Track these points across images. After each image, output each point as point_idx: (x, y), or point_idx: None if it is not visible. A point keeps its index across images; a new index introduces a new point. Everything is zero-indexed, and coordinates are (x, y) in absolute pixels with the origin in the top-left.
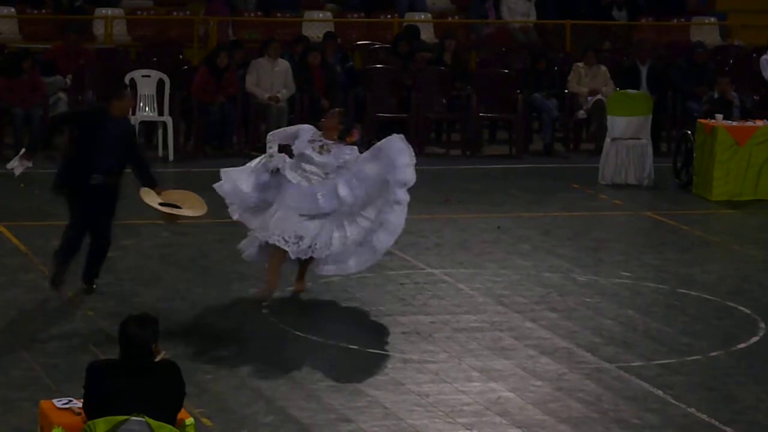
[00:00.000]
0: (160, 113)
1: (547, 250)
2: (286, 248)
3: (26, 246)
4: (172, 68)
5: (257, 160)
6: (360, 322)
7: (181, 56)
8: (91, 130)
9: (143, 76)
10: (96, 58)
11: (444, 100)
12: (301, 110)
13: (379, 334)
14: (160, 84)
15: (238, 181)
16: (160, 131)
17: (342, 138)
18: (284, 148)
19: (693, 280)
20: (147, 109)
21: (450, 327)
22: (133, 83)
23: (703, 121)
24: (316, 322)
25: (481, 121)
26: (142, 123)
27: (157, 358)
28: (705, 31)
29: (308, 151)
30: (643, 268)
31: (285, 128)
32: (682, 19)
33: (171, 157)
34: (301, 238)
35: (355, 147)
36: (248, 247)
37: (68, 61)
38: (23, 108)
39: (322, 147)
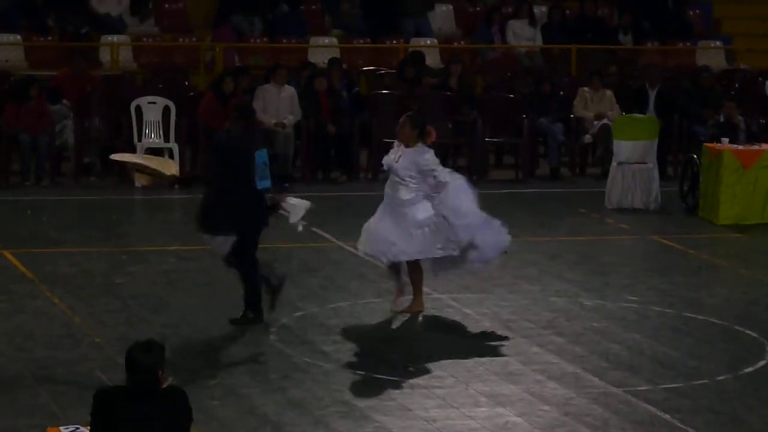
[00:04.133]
0: (166, 140)
1: (553, 275)
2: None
3: (33, 273)
4: (178, 95)
5: None
6: (367, 347)
7: (187, 83)
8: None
9: (149, 102)
10: (102, 85)
11: (450, 125)
12: (308, 136)
13: (386, 359)
14: (166, 111)
15: None
16: (167, 158)
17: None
18: None
19: (700, 303)
20: (153, 135)
21: (457, 352)
22: (139, 110)
23: (709, 144)
24: (323, 347)
25: (487, 145)
26: (149, 149)
27: (164, 385)
28: (710, 55)
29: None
30: (650, 292)
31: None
32: (688, 43)
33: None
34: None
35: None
36: None
37: (74, 88)
38: (30, 135)
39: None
